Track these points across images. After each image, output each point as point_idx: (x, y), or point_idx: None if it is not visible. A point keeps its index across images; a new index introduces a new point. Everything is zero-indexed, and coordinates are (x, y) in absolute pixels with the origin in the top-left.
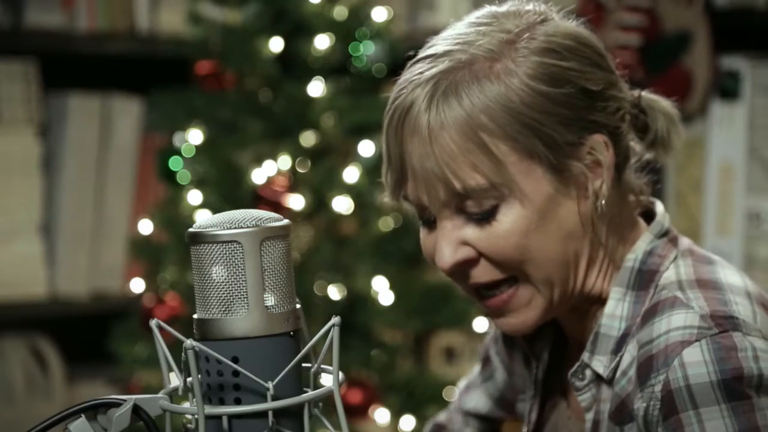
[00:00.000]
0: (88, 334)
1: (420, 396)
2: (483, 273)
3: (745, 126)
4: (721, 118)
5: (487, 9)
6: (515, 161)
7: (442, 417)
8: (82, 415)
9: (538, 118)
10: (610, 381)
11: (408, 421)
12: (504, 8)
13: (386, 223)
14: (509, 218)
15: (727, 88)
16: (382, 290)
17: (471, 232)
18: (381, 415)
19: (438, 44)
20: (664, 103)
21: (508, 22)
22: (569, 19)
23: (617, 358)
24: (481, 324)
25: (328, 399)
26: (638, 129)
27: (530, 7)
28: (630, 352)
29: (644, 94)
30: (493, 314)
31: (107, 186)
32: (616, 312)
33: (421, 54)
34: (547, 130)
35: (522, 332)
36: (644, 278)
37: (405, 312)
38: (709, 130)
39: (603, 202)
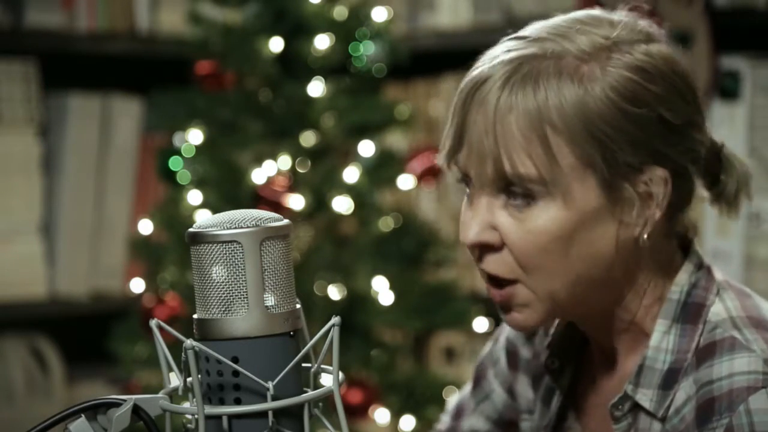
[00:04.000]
0: (88, 334)
1: (420, 396)
2: (495, 264)
3: (745, 126)
4: (721, 118)
5: (599, 12)
6: (571, 164)
7: (441, 428)
8: (82, 415)
9: (607, 131)
10: (663, 418)
11: (408, 421)
12: (616, 17)
13: (386, 223)
14: (546, 215)
15: (727, 88)
16: (382, 290)
17: (504, 218)
18: (381, 415)
19: (535, 29)
20: (742, 165)
21: (613, 30)
22: (675, 48)
23: (671, 395)
24: (481, 324)
25: (328, 399)
26: (709, 178)
27: (642, 24)
28: (685, 390)
29: (727, 147)
30: (500, 308)
31: (107, 186)
32: (662, 345)
33: (515, 33)
34: (611, 146)
35: (526, 330)
36: (690, 311)
37: (405, 312)
38: (708, 130)
39: (646, 236)
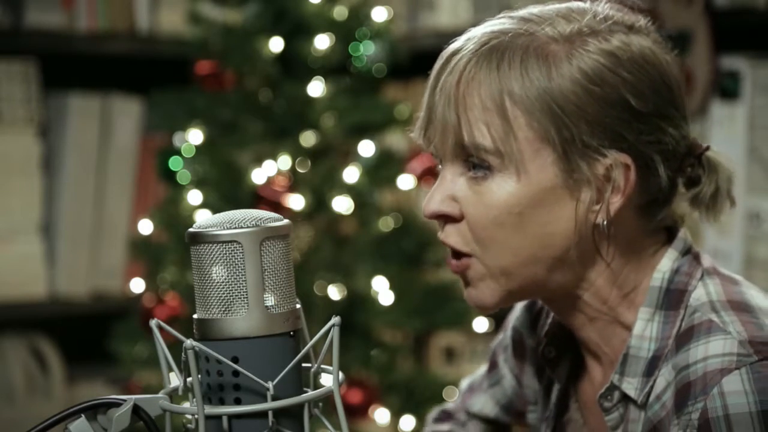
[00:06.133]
0: (88, 334)
1: (420, 396)
2: (453, 236)
3: (745, 126)
4: (721, 118)
5: (590, 5)
6: (527, 137)
7: (450, 406)
8: (82, 415)
9: (565, 106)
10: (643, 405)
11: (408, 421)
12: (606, 7)
13: (386, 223)
14: (501, 189)
15: (727, 88)
16: (382, 290)
17: (463, 190)
18: (381, 415)
19: (526, 10)
20: (726, 170)
21: (594, 19)
22: (664, 45)
23: (651, 382)
24: (481, 324)
25: (328, 399)
26: (688, 179)
27: (630, 17)
28: (665, 377)
29: (712, 150)
30: (463, 283)
31: (107, 186)
32: (645, 333)
33: (507, 12)
34: (567, 121)
35: (483, 308)
36: (673, 298)
37: (405, 312)
38: (709, 130)
39: (605, 221)
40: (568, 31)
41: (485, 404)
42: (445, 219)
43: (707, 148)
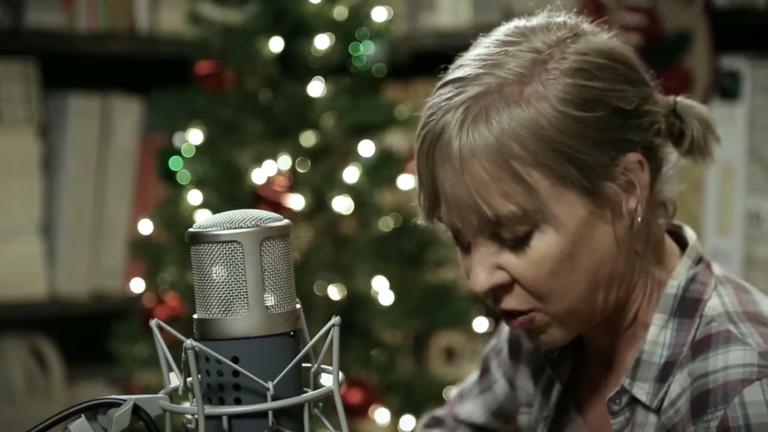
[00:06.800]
0: (88, 334)
1: (420, 396)
2: (511, 300)
3: (745, 126)
4: (721, 118)
5: (516, 24)
6: (547, 187)
7: (440, 412)
8: (82, 415)
9: (570, 143)
10: (657, 410)
11: (408, 421)
12: (533, 23)
13: (386, 223)
14: (543, 244)
15: (727, 88)
16: (382, 290)
17: (506, 257)
18: (381, 415)
19: (466, 65)
20: (700, 109)
21: (537, 40)
22: (601, 31)
23: (665, 387)
24: (481, 324)
25: (328, 399)
26: (674, 136)
27: (560, 20)
28: (679, 383)
29: (680, 99)
30: (527, 334)
31: (107, 186)
32: (659, 339)
33: (449, 76)
34: (579, 155)
35: (556, 346)
36: (688, 306)
37: (405, 312)
38: None
39: (639, 220)
40: (527, 67)
41: (474, 411)
42: (497, 290)
43: (676, 101)
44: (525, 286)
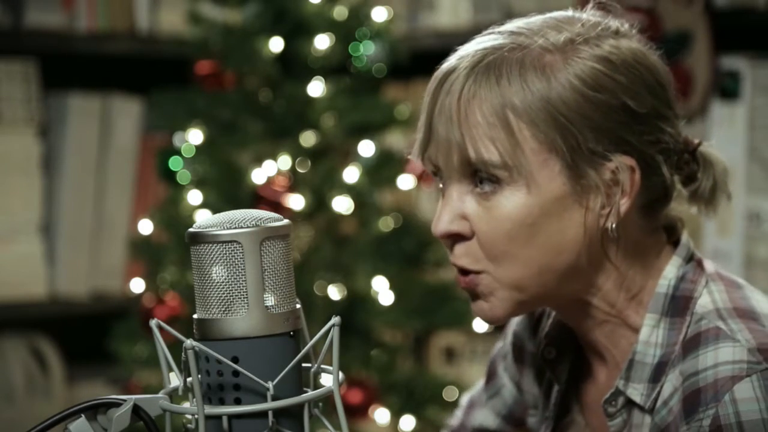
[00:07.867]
0: (88, 334)
1: (420, 396)
2: (462, 257)
3: (745, 126)
4: (721, 118)
5: (572, 12)
6: (534, 149)
7: (453, 423)
8: (82, 415)
9: (569, 115)
10: (650, 410)
11: (408, 421)
12: (590, 15)
13: (386, 223)
14: (510, 203)
15: (727, 88)
16: (382, 290)
17: (472, 206)
18: (381, 415)
19: (513, 24)
20: (720, 163)
21: (583, 27)
22: (649, 46)
23: (658, 387)
24: (481, 324)
25: (328, 399)
26: (685, 176)
27: (615, 22)
28: (671, 382)
29: (704, 145)
30: (470, 297)
31: (107, 186)
32: (650, 339)
33: (493, 28)
34: (572, 129)
35: (493, 321)
36: (678, 305)
37: (405, 312)
38: (709, 130)
39: (614, 225)
40: (561, 41)
41: (486, 418)
42: (455, 238)
43: (700, 144)
44: (480, 242)
